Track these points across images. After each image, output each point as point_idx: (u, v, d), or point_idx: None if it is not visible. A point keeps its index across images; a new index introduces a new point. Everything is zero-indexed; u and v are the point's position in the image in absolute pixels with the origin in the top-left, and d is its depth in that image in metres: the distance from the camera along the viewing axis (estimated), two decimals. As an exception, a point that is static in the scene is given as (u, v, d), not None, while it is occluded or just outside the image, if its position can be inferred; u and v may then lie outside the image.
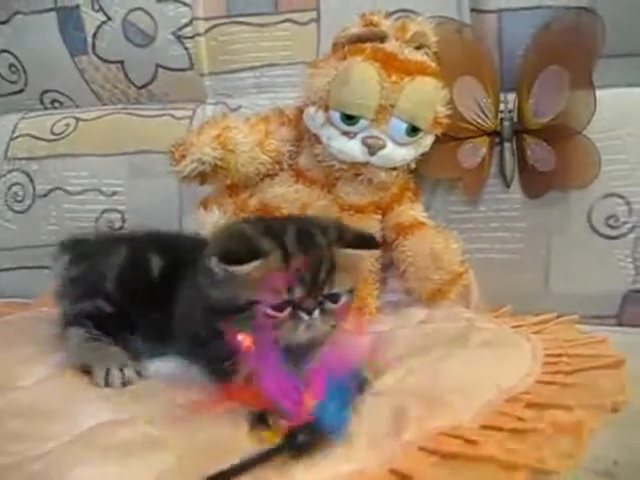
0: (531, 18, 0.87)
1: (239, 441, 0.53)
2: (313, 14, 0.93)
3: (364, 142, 0.77)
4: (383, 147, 0.78)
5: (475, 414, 0.56)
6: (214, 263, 0.56)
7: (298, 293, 0.56)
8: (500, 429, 0.53)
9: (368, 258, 0.78)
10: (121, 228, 1.01)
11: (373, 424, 0.55)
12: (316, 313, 0.57)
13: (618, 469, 0.50)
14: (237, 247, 0.57)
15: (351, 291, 0.61)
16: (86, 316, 0.69)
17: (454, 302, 0.86)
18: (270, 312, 0.56)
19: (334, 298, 0.59)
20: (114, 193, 1.02)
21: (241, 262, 0.55)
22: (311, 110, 0.79)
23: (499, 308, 0.88)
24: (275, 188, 0.83)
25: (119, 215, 1.01)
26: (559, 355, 0.68)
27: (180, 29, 0.97)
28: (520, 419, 0.56)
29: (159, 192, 0.97)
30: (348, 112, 0.77)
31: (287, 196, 0.82)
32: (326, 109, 0.78)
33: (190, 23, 0.97)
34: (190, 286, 0.64)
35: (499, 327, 0.79)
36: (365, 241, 0.63)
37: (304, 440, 0.49)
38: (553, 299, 0.89)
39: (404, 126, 0.77)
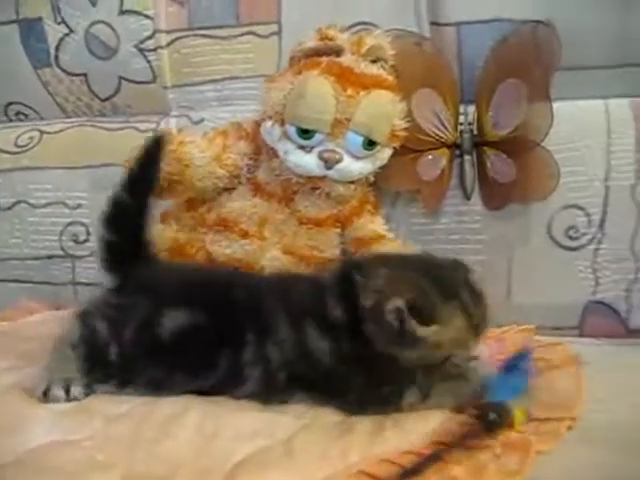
0: (489, 31, 0.88)
1: (181, 456, 0.53)
2: (274, 27, 0.93)
3: (320, 156, 0.78)
4: (340, 161, 0.78)
5: (428, 434, 0.56)
6: (421, 331, 0.56)
7: (475, 343, 0.60)
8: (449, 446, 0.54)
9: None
10: (86, 241, 1.01)
11: (323, 442, 0.55)
12: None
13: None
14: (424, 305, 0.56)
15: None
16: (92, 337, 0.65)
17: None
18: (460, 363, 0.62)
19: None
20: (78, 206, 1.01)
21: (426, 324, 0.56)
22: (268, 124, 0.79)
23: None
24: (233, 202, 0.83)
25: (83, 228, 1.01)
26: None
27: (142, 42, 0.97)
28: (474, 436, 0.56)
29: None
30: (304, 126, 0.77)
31: (245, 210, 0.82)
32: (282, 123, 0.78)
33: (152, 36, 0.97)
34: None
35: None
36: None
37: (494, 418, 0.55)
38: (515, 310, 0.90)
39: (360, 140, 0.78)
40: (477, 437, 0.55)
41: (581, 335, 0.90)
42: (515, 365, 0.64)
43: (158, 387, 0.63)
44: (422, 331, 0.56)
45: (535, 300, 0.90)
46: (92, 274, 1.01)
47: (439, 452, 0.52)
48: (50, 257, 1.02)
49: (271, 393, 0.62)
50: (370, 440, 0.56)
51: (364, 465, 0.52)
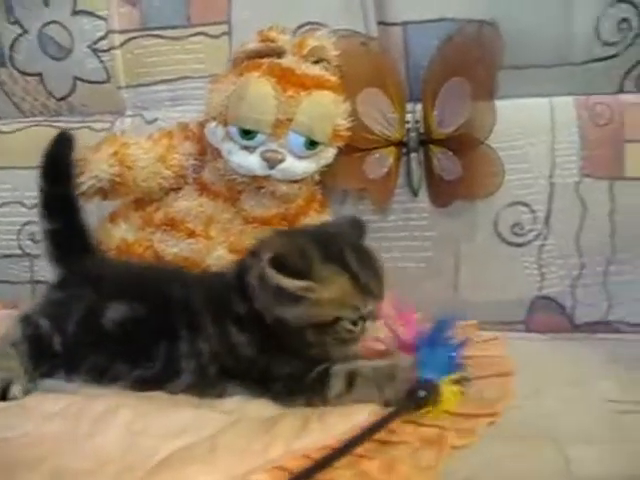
0: (435, 30, 0.89)
1: (109, 453, 0.54)
2: (224, 27, 0.94)
3: (263, 156, 0.79)
4: (282, 161, 0.79)
5: (350, 429, 0.57)
6: (286, 282, 0.60)
7: (370, 306, 0.62)
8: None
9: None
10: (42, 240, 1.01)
11: (248, 437, 0.57)
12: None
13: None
14: (292, 260, 0.60)
15: None
16: (35, 334, 0.69)
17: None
18: (351, 327, 0.62)
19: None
20: (35, 205, 1.01)
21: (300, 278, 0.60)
22: (211, 125, 0.80)
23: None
24: (180, 202, 0.84)
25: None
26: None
27: (96, 42, 0.98)
28: (391, 431, 0.57)
29: (80, 204, 0.97)
30: (245, 127, 0.78)
31: (192, 209, 0.83)
32: (225, 124, 0.79)
33: (106, 36, 0.97)
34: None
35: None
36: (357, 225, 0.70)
37: (424, 395, 0.57)
38: (463, 306, 0.91)
39: (302, 140, 0.79)
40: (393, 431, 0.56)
41: (527, 330, 0.92)
42: (438, 336, 0.66)
43: (101, 376, 0.67)
44: (288, 283, 0.59)
45: (482, 296, 0.91)
46: (50, 272, 1.01)
47: (349, 446, 0.52)
48: (8, 256, 1.02)
49: (205, 386, 0.66)
50: (293, 435, 0.57)
51: (283, 460, 0.53)
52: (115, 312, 0.67)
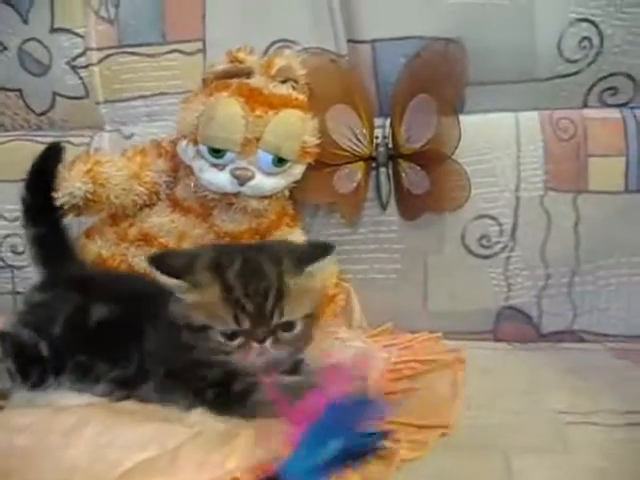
0: (403, 48, 0.91)
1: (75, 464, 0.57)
2: (199, 44, 0.96)
3: (233, 174, 0.81)
4: (252, 178, 0.81)
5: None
6: (161, 278, 0.62)
7: (244, 324, 0.60)
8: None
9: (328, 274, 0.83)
10: (24, 252, 1.04)
11: (208, 449, 0.59)
12: (268, 343, 0.61)
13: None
14: (174, 260, 0.63)
15: (310, 315, 0.65)
16: (18, 347, 0.71)
17: (336, 322, 0.89)
18: (220, 339, 0.61)
19: (288, 327, 0.63)
20: (16, 218, 1.04)
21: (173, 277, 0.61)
22: (183, 143, 0.83)
23: (381, 326, 0.91)
24: (153, 218, 0.86)
25: (22, 240, 1.03)
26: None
27: (74, 59, 1.00)
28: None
29: (60, 217, 0.99)
30: (215, 146, 0.80)
31: (164, 225, 0.86)
32: (196, 143, 0.81)
33: (84, 53, 0.99)
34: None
35: (366, 344, 0.82)
36: (319, 249, 0.67)
37: None
38: (431, 316, 0.94)
39: (270, 157, 0.81)
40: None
41: (495, 339, 0.94)
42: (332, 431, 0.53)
43: (84, 376, 0.69)
44: (161, 278, 0.62)
45: (450, 306, 0.94)
46: (31, 284, 1.04)
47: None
48: (-11, 268, 1.04)
49: (166, 393, 0.68)
50: (250, 448, 0.59)
51: (240, 472, 0.56)
52: (97, 313, 0.70)
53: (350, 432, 0.53)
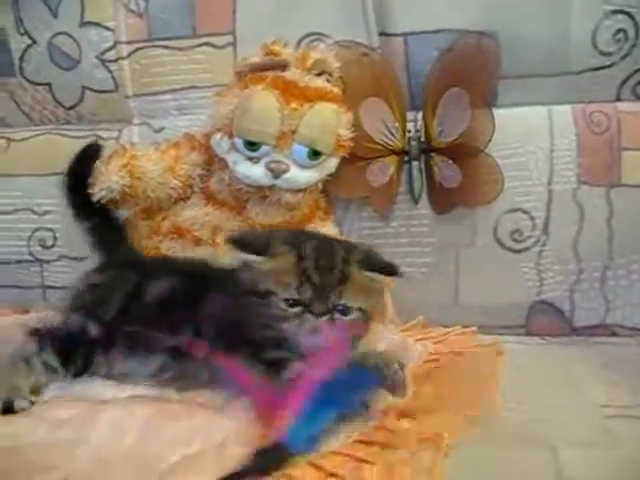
0: (436, 41, 0.91)
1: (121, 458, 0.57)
2: (229, 38, 0.96)
3: (268, 167, 0.81)
4: (286, 171, 0.81)
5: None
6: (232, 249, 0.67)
7: (306, 293, 0.64)
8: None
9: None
10: (52, 246, 1.04)
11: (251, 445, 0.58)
12: (324, 318, 0.64)
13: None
14: (253, 240, 0.69)
15: (365, 312, 0.68)
16: (62, 335, 0.71)
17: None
18: (282, 305, 0.65)
19: (344, 311, 0.66)
20: (45, 212, 1.05)
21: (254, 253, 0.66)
22: (217, 136, 0.83)
23: (412, 321, 0.90)
24: (187, 211, 0.86)
25: (50, 234, 1.04)
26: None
27: (103, 53, 1.00)
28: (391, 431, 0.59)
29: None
30: (250, 139, 0.80)
31: (198, 218, 0.86)
32: (230, 136, 0.81)
33: (113, 47, 0.99)
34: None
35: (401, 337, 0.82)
36: (387, 268, 0.69)
37: (270, 461, 0.53)
38: (463, 311, 0.93)
39: (305, 150, 0.81)
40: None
41: (527, 334, 0.94)
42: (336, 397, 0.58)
43: (139, 346, 0.70)
44: (244, 256, 0.67)
45: (482, 301, 0.93)
46: (60, 277, 1.05)
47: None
48: (19, 262, 1.05)
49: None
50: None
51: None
52: (155, 288, 0.74)
53: (346, 401, 0.59)
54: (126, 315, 0.72)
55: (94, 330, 0.71)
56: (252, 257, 0.66)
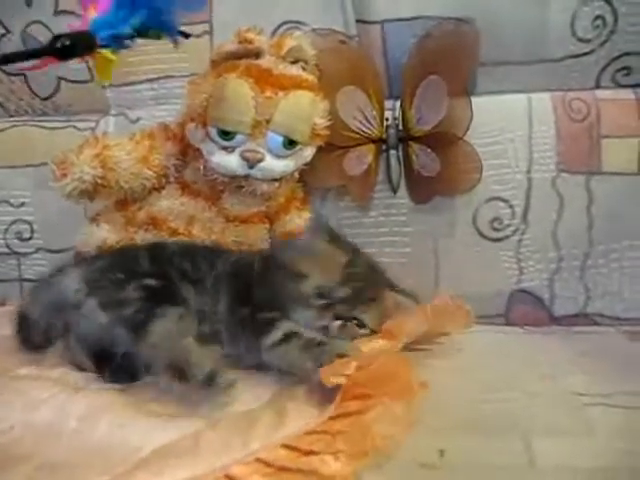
0: (413, 28, 0.90)
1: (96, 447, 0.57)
2: (206, 26, 0.94)
3: (242, 156, 0.80)
4: (261, 160, 0.80)
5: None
6: None
7: (340, 293, 0.70)
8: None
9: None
10: (30, 239, 1.03)
11: (226, 431, 0.59)
12: (338, 322, 0.70)
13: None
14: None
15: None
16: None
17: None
18: (311, 291, 0.70)
19: (359, 325, 0.71)
20: (22, 204, 1.03)
21: None
22: (191, 126, 0.81)
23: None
24: (162, 201, 0.85)
25: (27, 226, 1.03)
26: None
27: (79, 42, 0.98)
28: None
29: (66, 203, 0.98)
30: (224, 128, 0.79)
31: (173, 209, 0.85)
32: (205, 125, 0.80)
33: (88, 36, 0.97)
34: None
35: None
36: (411, 294, 0.75)
37: (67, 46, 0.56)
38: (442, 300, 0.92)
39: (280, 139, 0.80)
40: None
41: (507, 323, 0.93)
42: None
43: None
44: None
45: (461, 290, 0.92)
46: (38, 270, 1.03)
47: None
48: (-5, 255, 1.03)
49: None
50: (272, 427, 0.59)
51: (262, 452, 0.55)
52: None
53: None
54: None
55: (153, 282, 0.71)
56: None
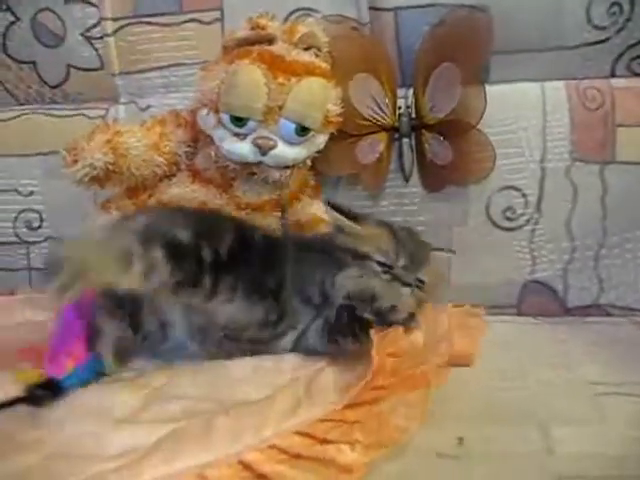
0: (427, 15, 0.89)
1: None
2: (217, 14, 0.94)
3: (254, 143, 0.79)
4: (274, 147, 0.79)
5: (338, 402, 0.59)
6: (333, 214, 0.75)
7: (401, 261, 0.70)
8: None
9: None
10: (39, 227, 1.03)
11: (239, 416, 0.58)
12: (408, 289, 0.70)
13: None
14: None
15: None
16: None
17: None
18: (377, 268, 0.70)
19: (420, 287, 0.71)
20: (31, 193, 1.03)
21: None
22: (203, 112, 0.81)
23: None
24: (173, 188, 0.84)
25: (37, 215, 1.03)
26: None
27: (89, 30, 0.98)
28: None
29: (75, 191, 0.98)
30: (236, 114, 0.78)
31: (184, 196, 0.84)
32: (217, 111, 0.79)
33: (98, 24, 0.97)
34: None
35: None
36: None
37: (42, 395, 0.59)
38: (455, 290, 0.92)
39: (293, 126, 0.79)
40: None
41: (519, 314, 0.92)
42: None
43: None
44: (341, 221, 0.75)
45: (474, 280, 0.92)
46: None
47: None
48: (4, 244, 1.03)
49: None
50: (285, 414, 0.58)
51: (275, 439, 0.55)
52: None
53: None
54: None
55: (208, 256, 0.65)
56: (349, 222, 0.72)
